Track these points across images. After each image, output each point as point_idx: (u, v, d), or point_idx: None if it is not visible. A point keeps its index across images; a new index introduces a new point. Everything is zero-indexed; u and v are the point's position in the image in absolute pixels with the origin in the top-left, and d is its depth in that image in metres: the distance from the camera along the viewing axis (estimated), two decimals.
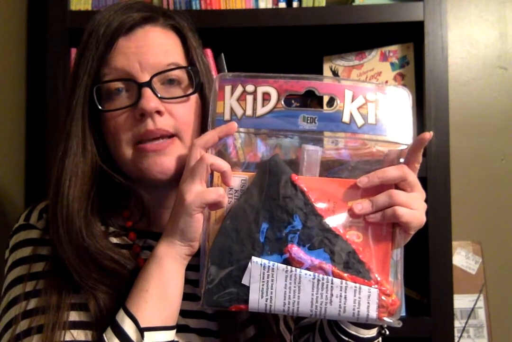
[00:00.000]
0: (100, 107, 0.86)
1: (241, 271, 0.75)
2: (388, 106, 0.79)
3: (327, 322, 0.92)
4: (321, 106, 1.49)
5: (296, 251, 0.75)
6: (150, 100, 0.83)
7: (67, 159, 0.85)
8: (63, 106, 0.89)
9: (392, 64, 1.47)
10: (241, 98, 0.79)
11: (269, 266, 0.75)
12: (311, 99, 1.53)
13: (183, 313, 0.83)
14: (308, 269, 0.74)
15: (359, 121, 0.78)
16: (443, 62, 1.39)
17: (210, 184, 0.78)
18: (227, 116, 0.79)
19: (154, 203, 0.92)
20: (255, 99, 0.79)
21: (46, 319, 0.80)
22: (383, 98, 0.79)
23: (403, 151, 0.78)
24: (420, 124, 1.41)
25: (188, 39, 0.91)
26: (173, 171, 0.85)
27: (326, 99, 1.45)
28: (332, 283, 0.74)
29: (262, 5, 1.44)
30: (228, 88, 0.80)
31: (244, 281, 0.75)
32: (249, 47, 1.57)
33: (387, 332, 0.91)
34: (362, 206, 0.76)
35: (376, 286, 0.75)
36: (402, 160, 0.78)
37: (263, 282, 0.75)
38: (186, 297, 0.81)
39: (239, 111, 0.79)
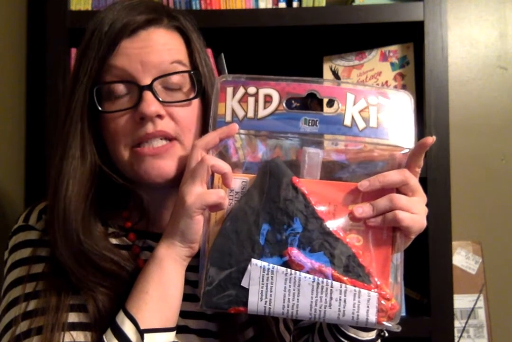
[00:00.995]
0: (100, 108, 0.86)
1: (240, 273, 0.75)
2: (390, 110, 0.79)
3: (327, 324, 0.92)
4: (321, 107, 1.48)
5: (296, 253, 0.75)
6: (150, 104, 0.83)
7: (65, 162, 0.85)
8: (63, 106, 0.89)
9: (392, 64, 1.47)
10: (242, 100, 0.79)
11: (268, 269, 0.75)
12: (311, 100, 1.53)
13: (182, 313, 0.83)
14: (307, 272, 0.74)
15: (361, 124, 0.78)
16: (443, 62, 1.39)
17: (211, 185, 0.78)
18: (228, 117, 0.79)
19: (153, 203, 0.91)
20: (256, 101, 0.79)
21: (45, 320, 0.80)
22: (385, 102, 0.79)
23: (404, 155, 0.78)
24: (420, 124, 1.41)
25: (192, 41, 0.91)
26: (172, 175, 0.85)
27: (326, 99, 1.45)
28: (331, 287, 0.74)
29: (262, 5, 1.44)
30: (229, 90, 0.80)
31: (244, 283, 0.75)
32: (249, 47, 1.56)
33: (386, 334, 0.91)
34: (363, 209, 0.76)
35: (375, 290, 0.74)
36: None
37: (263, 284, 0.75)
38: (186, 298, 0.81)
39: (240, 113, 0.79)
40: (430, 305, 1.37)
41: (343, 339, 0.88)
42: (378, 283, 0.75)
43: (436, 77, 1.39)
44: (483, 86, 1.73)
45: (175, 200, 0.79)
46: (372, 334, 0.89)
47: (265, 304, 0.75)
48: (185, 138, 0.86)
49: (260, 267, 0.75)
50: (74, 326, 0.81)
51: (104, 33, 0.84)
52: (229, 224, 0.77)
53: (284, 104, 0.79)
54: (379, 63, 1.48)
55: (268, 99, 0.79)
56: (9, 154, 1.44)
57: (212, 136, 0.78)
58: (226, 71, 1.44)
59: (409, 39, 1.46)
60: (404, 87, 1.45)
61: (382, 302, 0.74)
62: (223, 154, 0.80)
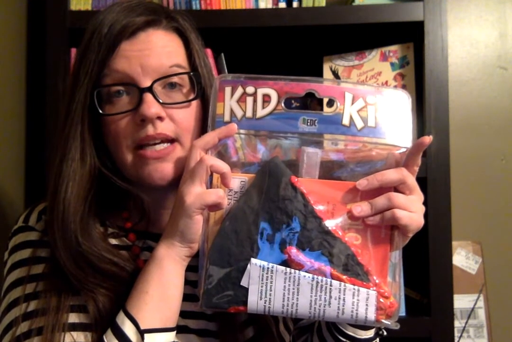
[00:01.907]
0: (100, 111, 0.86)
1: (240, 273, 0.76)
2: (388, 109, 0.79)
3: (325, 323, 0.92)
4: (321, 106, 1.48)
5: (295, 253, 0.75)
6: (151, 106, 0.83)
7: (65, 164, 0.85)
8: (63, 108, 0.89)
9: (392, 64, 1.47)
10: (241, 100, 0.79)
11: (268, 268, 0.75)
12: (311, 99, 1.53)
13: (182, 313, 0.83)
14: (307, 271, 0.75)
15: (359, 124, 0.78)
16: (443, 62, 1.39)
17: (210, 185, 0.78)
18: (227, 117, 0.79)
19: (153, 204, 0.91)
20: (255, 101, 0.79)
21: (46, 321, 0.81)
22: (383, 101, 0.79)
23: (402, 154, 0.78)
24: (420, 124, 1.41)
25: (191, 42, 0.91)
26: (172, 176, 0.85)
27: (326, 99, 1.45)
28: (330, 285, 0.74)
29: (262, 5, 1.44)
30: (228, 90, 0.80)
31: (243, 282, 0.75)
32: (249, 47, 1.56)
33: (385, 333, 0.91)
34: (361, 208, 0.76)
35: (374, 288, 0.75)
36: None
37: (262, 283, 0.75)
38: (185, 297, 0.81)
39: (239, 113, 0.79)
40: (430, 305, 1.37)
41: (341, 338, 0.88)
42: (377, 281, 0.75)
43: (436, 77, 1.39)
44: (483, 86, 1.73)
45: (174, 200, 0.79)
46: (371, 333, 0.89)
47: (265, 303, 0.75)
48: (185, 139, 0.86)
49: (260, 266, 0.75)
50: (74, 327, 0.81)
51: (103, 35, 0.84)
52: (228, 223, 0.77)
53: (282, 104, 0.79)
54: (379, 63, 1.48)
55: (266, 99, 0.79)
56: (9, 155, 1.44)
57: (211, 136, 0.78)
58: (226, 71, 1.44)
59: (409, 39, 1.46)
60: (404, 87, 1.45)
61: (381, 300, 0.74)
62: (222, 154, 0.80)
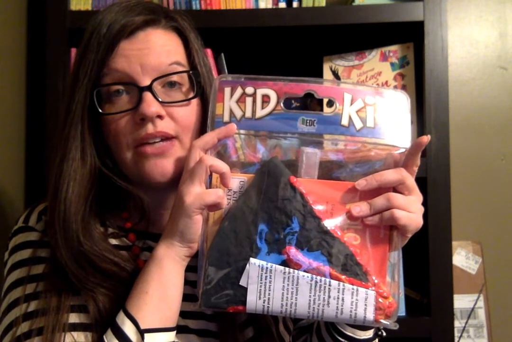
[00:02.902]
0: (100, 111, 0.86)
1: (239, 272, 0.76)
2: (387, 110, 0.79)
3: (324, 323, 0.92)
4: (321, 107, 1.48)
5: (294, 252, 0.75)
6: (150, 105, 0.83)
7: (66, 164, 0.85)
8: (63, 108, 0.89)
9: (392, 64, 1.47)
10: (240, 100, 0.79)
11: (267, 268, 0.75)
12: (310, 100, 1.53)
13: (182, 313, 0.83)
14: (306, 271, 0.75)
15: (358, 124, 0.78)
16: (443, 62, 1.39)
17: (209, 185, 0.78)
18: (226, 118, 0.79)
19: (153, 204, 0.91)
20: (254, 101, 0.79)
21: (46, 321, 0.81)
22: (382, 102, 0.79)
23: (401, 155, 0.78)
24: (420, 124, 1.41)
25: (190, 41, 0.91)
26: (172, 173, 0.85)
27: (326, 99, 1.45)
28: (329, 285, 0.74)
29: (262, 5, 1.44)
30: (227, 90, 0.80)
31: (242, 282, 0.75)
32: (249, 47, 1.56)
33: (384, 333, 0.91)
34: (360, 208, 0.76)
35: (373, 288, 0.75)
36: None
37: (261, 283, 0.75)
38: (185, 298, 0.81)
39: (238, 113, 0.79)
40: (430, 305, 1.37)
41: (340, 338, 0.88)
42: (376, 281, 0.75)
43: (436, 77, 1.39)
44: (483, 86, 1.73)
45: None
46: (370, 333, 0.89)
47: (264, 302, 0.75)
48: (184, 137, 0.87)
49: (259, 266, 0.75)
50: (74, 327, 0.81)
51: (102, 35, 0.85)
52: (227, 223, 0.77)
53: (282, 104, 0.79)
54: (379, 63, 1.48)
55: (266, 99, 0.79)
56: (9, 155, 1.44)
57: (210, 137, 0.78)
58: (226, 71, 1.44)
59: (409, 39, 1.46)
60: (404, 87, 1.45)
61: (380, 300, 0.74)
62: (221, 154, 0.80)
